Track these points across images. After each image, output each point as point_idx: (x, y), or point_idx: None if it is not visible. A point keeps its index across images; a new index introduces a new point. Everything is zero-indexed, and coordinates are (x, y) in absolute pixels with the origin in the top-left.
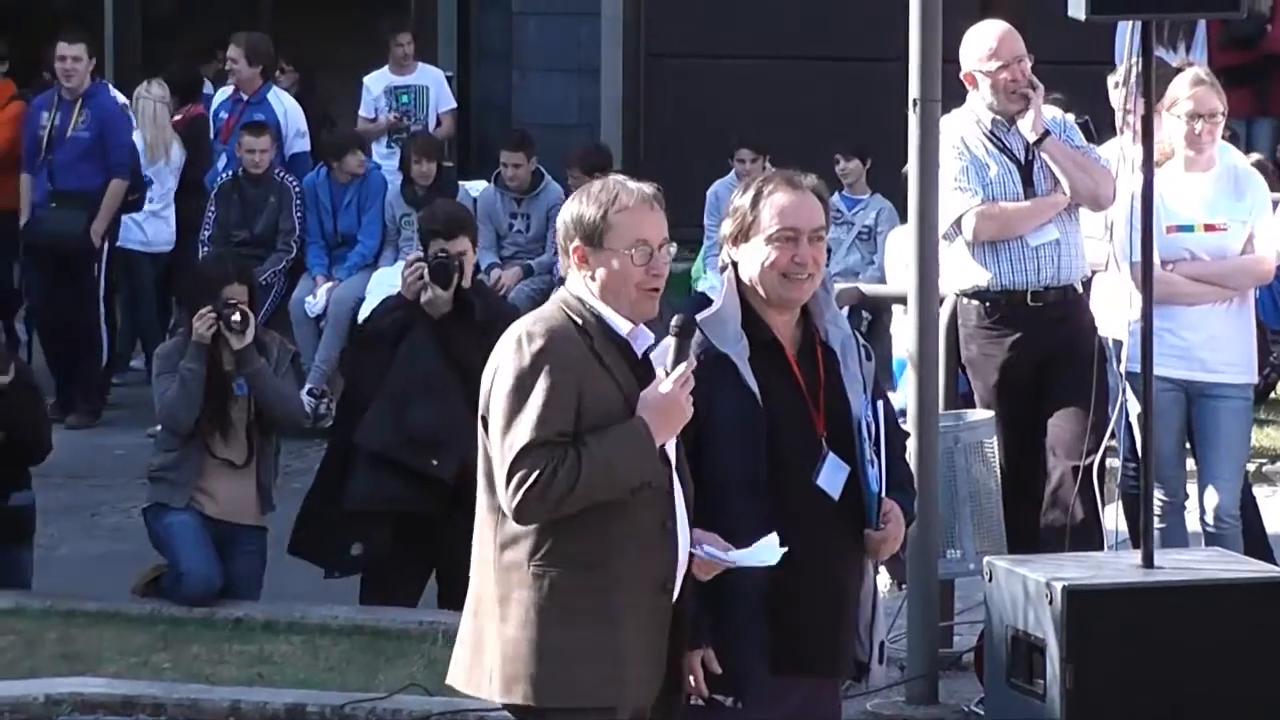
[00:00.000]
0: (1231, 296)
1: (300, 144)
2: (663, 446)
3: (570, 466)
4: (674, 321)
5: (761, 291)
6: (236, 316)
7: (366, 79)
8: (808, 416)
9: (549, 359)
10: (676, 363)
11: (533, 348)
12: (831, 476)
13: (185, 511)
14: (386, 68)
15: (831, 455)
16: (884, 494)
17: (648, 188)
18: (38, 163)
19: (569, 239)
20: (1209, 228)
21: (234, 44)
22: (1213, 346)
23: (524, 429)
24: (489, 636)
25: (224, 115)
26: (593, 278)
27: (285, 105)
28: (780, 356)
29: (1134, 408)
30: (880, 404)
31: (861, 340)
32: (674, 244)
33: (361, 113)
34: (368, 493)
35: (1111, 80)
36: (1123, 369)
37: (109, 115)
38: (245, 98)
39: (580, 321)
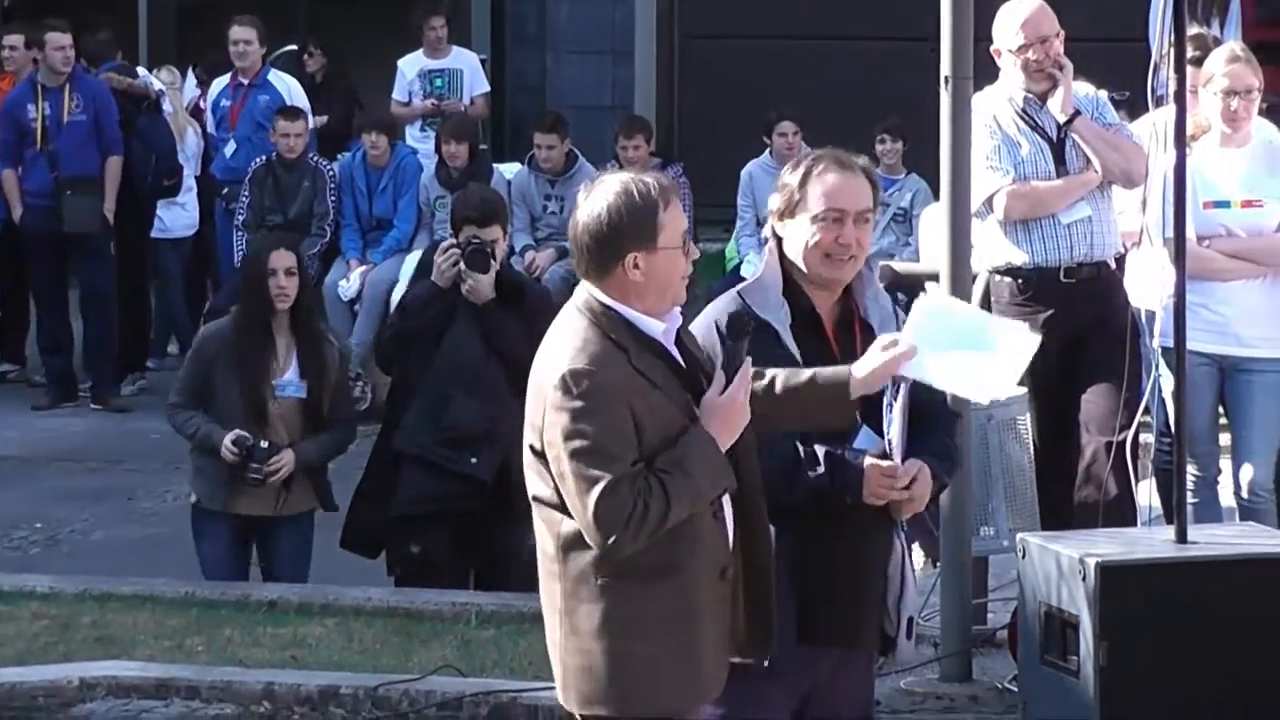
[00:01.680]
0: (1266, 272)
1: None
2: None
3: (658, 496)
4: (724, 323)
5: (804, 268)
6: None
7: (401, 62)
8: None
9: (599, 394)
10: (728, 363)
11: (581, 388)
12: (864, 447)
13: (219, 520)
14: (421, 51)
15: (865, 427)
16: (907, 450)
17: (665, 179)
18: (33, 153)
19: (619, 247)
20: (1246, 204)
21: (242, 25)
22: (1248, 321)
23: (599, 471)
24: (557, 648)
25: (226, 102)
26: (641, 280)
27: (288, 84)
28: (819, 329)
29: (1168, 383)
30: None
31: (903, 316)
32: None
33: (395, 96)
34: (412, 497)
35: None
36: (1156, 344)
37: (99, 95)
38: (246, 81)
39: (614, 337)
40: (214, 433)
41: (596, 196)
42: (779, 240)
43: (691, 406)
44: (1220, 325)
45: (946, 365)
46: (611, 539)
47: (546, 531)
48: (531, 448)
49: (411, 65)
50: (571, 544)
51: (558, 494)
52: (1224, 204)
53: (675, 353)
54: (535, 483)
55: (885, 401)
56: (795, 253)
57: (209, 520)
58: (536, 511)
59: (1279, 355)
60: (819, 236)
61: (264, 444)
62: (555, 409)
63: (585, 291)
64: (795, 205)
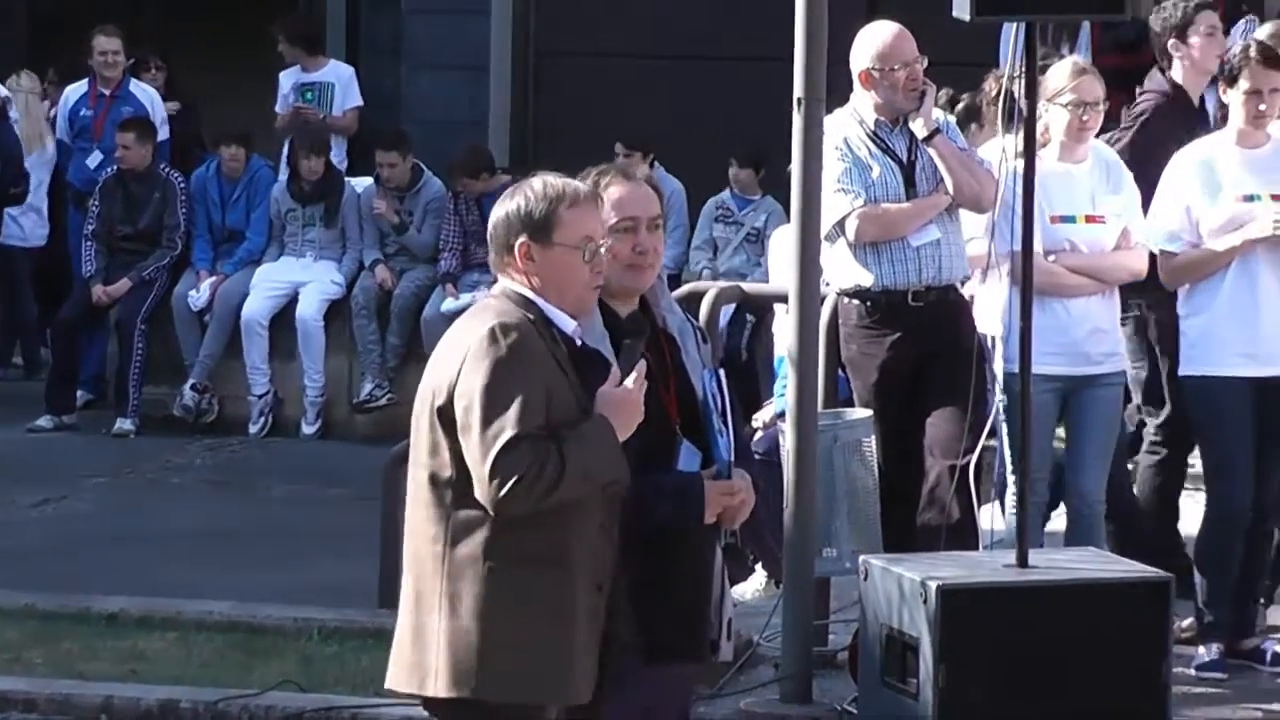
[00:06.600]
0: (1105, 288)
1: (161, 132)
2: None
3: (555, 462)
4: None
5: (607, 284)
6: None
7: (281, 75)
8: (661, 405)
9: (523, 354)
10: (624, 360)
11: (508, 341)
12: (687, 464)
13: None
14: (298, 65)
15: (686, 443)
16: (733, 462)
17: (588, 186)
18: None
19: (512, 234)
20: (1090, 219)
21: (107, 35)
22: (1095, 340)
23: (508, 423)
24: (431, 631)
25: (86, 112)
26: (536, 274)
27: (150, 95)
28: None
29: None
30: (720, 373)
31: (695, 323)
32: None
33: (277, 108)
34: None
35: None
36: (999, 368)
37: None
38: (108, 91)
39: (532, 318)
40: None
41: (513, 189)
42: None
43: (588, 405)
44: (1068, 346)
45: None
46: (503, 492)
47: (435, 515)
48: (439, 410)
49: (288, 78)
50: (464, 528)
51: (455, 468)
52: (1069, 219)
53: (578, 344)
54: (431, 459)
55: (714, 426)
56: None
57: None
58: (428, 494)
59: (1119, 369)
60: (617, 247)
61: None
62: (477, 359)
63: (500, 285)
64: None
